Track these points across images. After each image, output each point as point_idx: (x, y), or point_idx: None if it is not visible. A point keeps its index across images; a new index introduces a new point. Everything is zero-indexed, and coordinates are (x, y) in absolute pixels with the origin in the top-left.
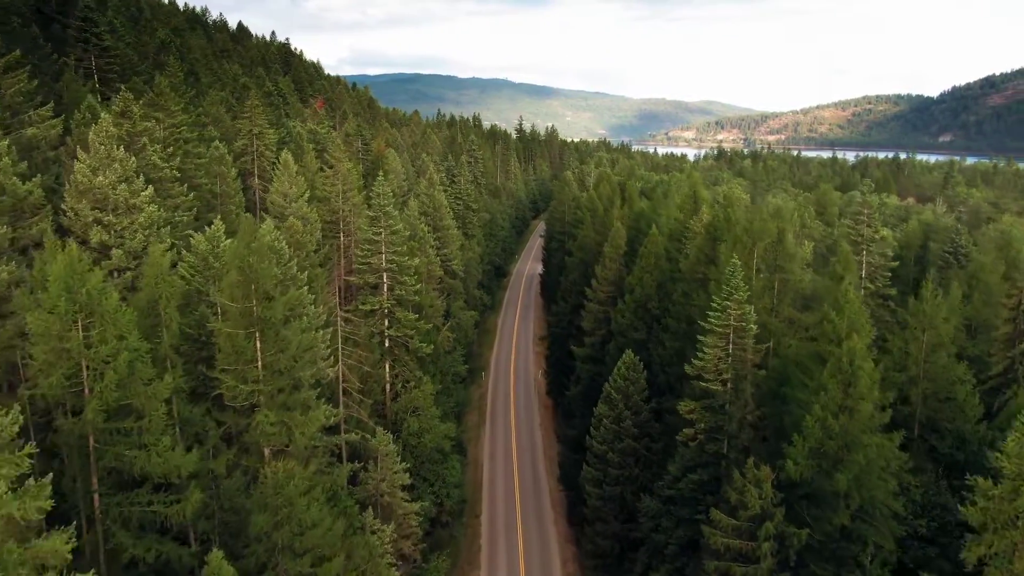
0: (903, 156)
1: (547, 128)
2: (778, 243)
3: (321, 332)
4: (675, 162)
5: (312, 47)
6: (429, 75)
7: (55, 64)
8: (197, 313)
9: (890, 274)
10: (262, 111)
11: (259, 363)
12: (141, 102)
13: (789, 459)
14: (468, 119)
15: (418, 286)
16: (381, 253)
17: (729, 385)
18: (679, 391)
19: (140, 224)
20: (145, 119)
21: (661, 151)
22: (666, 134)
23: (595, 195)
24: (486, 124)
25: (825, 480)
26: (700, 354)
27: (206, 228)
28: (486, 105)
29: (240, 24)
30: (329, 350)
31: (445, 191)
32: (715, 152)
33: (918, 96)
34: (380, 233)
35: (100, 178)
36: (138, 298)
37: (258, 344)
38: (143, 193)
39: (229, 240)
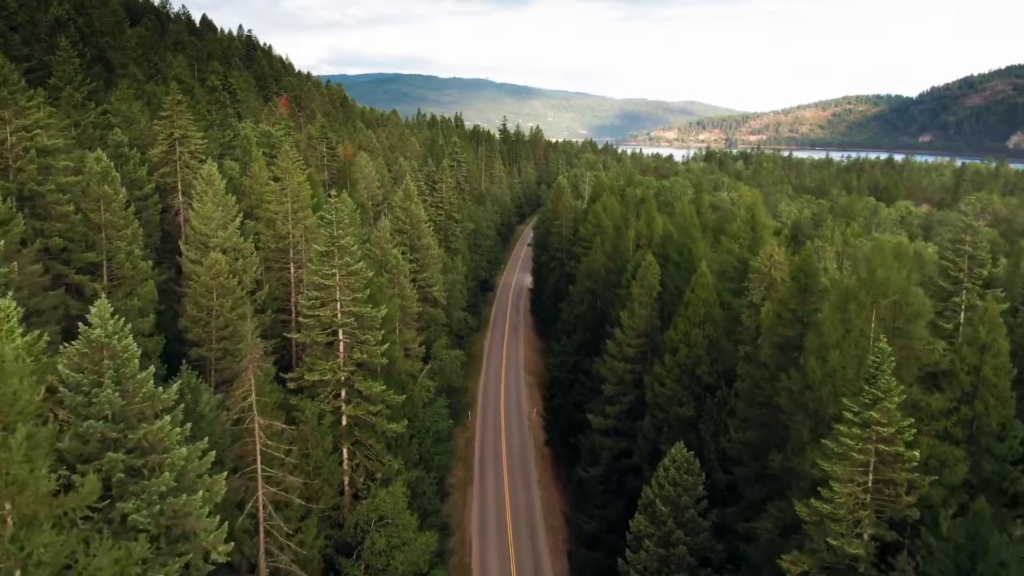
0: (898, 157)
1: (531, 128)
2: (903, 297)
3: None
4: (665, 164)
5: (291, 47)
6: (410, 75)
7: None
8: None
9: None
10: (187, 109)
11: None
12: None
13: None
14: (450, 119)
15: (385, 346)
16: (335, 301)
17: (874, 543)
18: (752, 498)
19: None
20: None
21: (646, 152)
22: (648, 135)
23: (601, 211)
24: (468, 124)
25: None
26: (825, 492)
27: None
28: (467, 105)
29: (204, 17)
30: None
31: (425, 201)
32: (703, 153)
33: (897, 96)
34: (333, 274)
35: None
36: None
37: None
38: None
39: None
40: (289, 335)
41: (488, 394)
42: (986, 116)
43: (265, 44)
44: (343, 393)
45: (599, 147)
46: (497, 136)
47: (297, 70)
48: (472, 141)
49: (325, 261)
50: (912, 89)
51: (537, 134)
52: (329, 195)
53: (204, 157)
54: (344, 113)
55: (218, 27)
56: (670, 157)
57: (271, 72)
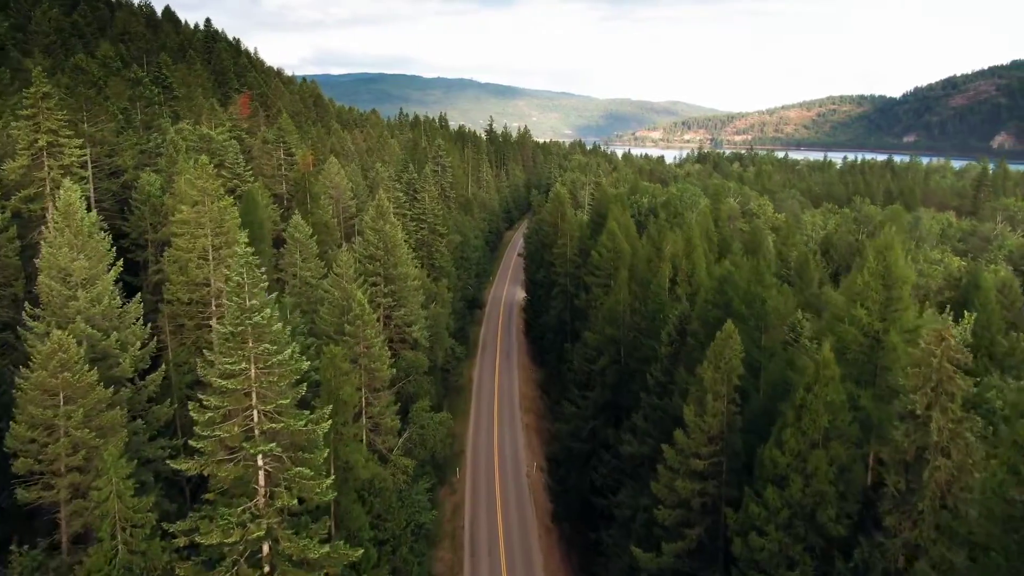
0: (897, 159)
1: (519, 129)
2: None
3: None
4: (659, 166)
5: (273, 46)
6: (393, 75)
7: None
8: None
9: None
10: (57, 107)
11: None
12: None
13: None
14: (434, 119)
15: (329, 479)
16: (249, 410)
17: None
18: None
19: None
20: None
21: (632, 152)
22: (633, 135)
23: (617, 231)
24: (453, 125)
25: None
26: None
27: None
28: (451, 105)
29: (167, 9)
30: None
31: (404, 216)
32: (695, 154)
33: (881, 97)
34: (244, 370)
35: None
36: None
37: None
38: None
39: None
40: (176, 464)
41: (479, 441)
42: (970, 116)
43: (233, 38)
44: (264, 550)
45: (588, 148)
46: (484, 137)
47: (268, 66)
48: (457, 142)
49: (232, 348)
50: (895, 89)
51: (525, 135)
52: (285, 214)
53: (103, 173)
54: (318, 113)
55: (183, 20)
56: (661, 159)
57: (234, 68)
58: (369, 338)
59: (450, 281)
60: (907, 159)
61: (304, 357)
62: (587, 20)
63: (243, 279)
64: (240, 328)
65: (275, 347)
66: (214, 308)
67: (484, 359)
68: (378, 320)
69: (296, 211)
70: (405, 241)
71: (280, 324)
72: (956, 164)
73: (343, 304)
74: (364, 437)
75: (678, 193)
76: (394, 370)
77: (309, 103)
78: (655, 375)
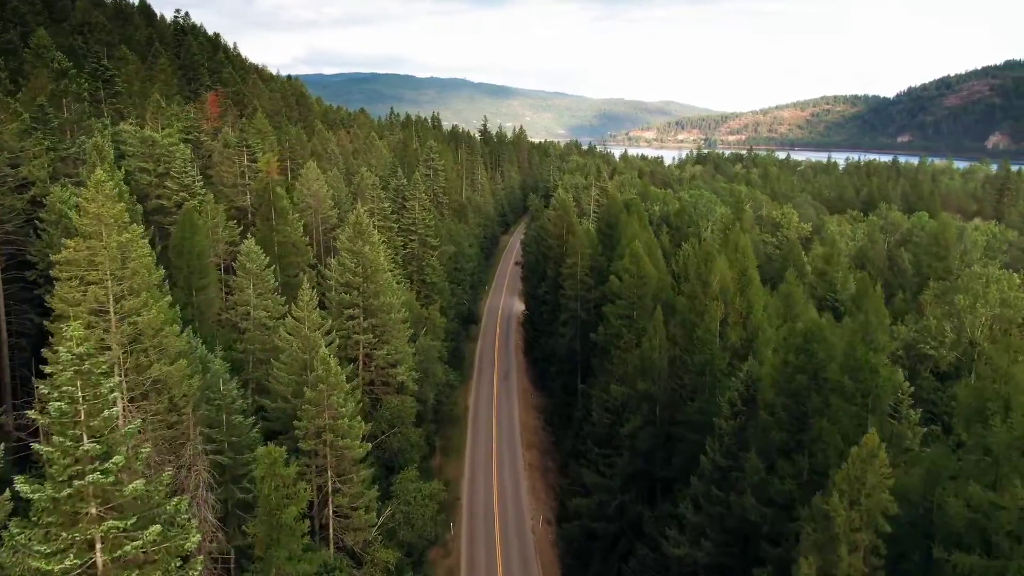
0: (903, 160)
1: (515, 129)
2: None
3: None
4: (658, 168)
5: (267, 46)
6: (387, 75)
7: None
8: None
9: None
10: None
11: None
12: None
13: None
14: (426, 119)
15: None
16: None
17: None
18: None
19: None
20: None
21: (630, 152)
22: (627, 134)
23: (642, 252)
24: (446, 125)
25: None
26: None
27: None
28: (445, 105)
29: (142, 2)
30: None
31: (391, 229)
32: (694, 154)
33: (875, 97)
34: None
35: None
36: None
37: None
38: None
39: None
40: None
41: (476, 487)
42: (964, 116)
43: (214, 34)
44: None
45: (584, 148)
46: (478, 137)
47: (250, 63)
48: (451, 143)
49: (56, 525)
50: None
51: (521, 135)
52: (244, 236)
53: None
54: (300, 112)
55: (158, 14)
56: (659, 160)
57: (208, 64)
58: (336, 406)
59: (443, 300)
60: (914, 160)
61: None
62: (580, 20)
63: (76, 399)
64: (68, 492)
65: (134, 520)
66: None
67: (481, 383)
68: (356, 361)
69: (256, 229)
70: (392, 258)
71: (142, 482)
72: (958, 165)
73: (303, 358)
74: (330, 534)
75: (691, 200)
76: (366, 451)
77: (292, 102)
78: (713, 456)
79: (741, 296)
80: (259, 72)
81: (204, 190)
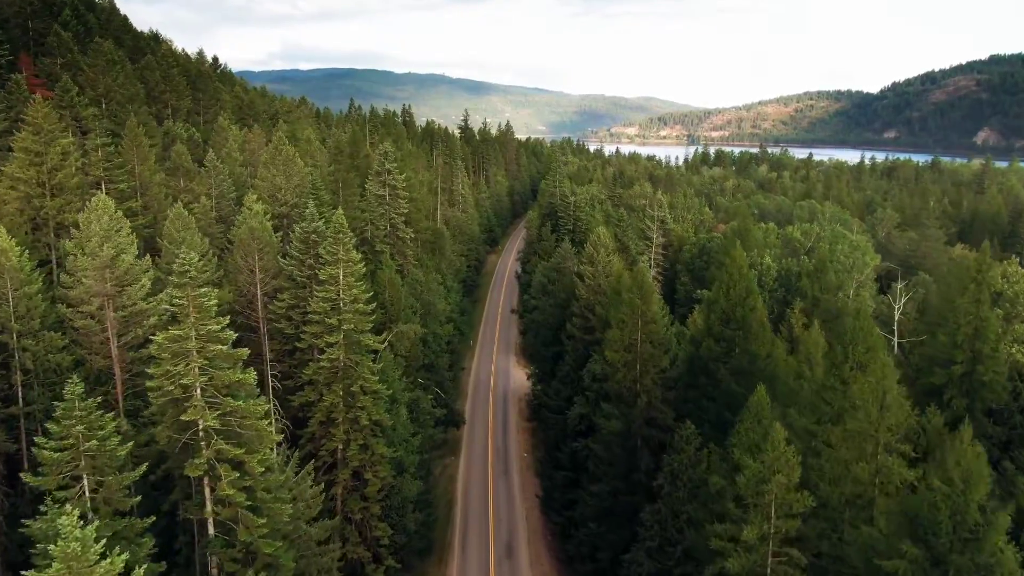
0: (901, 157)
1: (500, 125)
2: None
3: None
4: (659, 169)
5: (241, 43)
6: (364, 70)
7: None
8: None
9: None
10: None
11: None
12: None
13: None
14: (394, 112)
15: None
16: None
17: None
18: None
19: None
20: None
21: (607, 149)
22: (608, 131)
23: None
24: (420, 120)
25: None
26: None
27: None
28: (423, 101)
29: None
30: None
31: (281, 362)
32: (699, 151)
33: (859, 92)
34: None
35: None
36: None
37: None
38: None
39: None
40: None
41: None
42: (950, 112)
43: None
44: None
45: (575, 145)
46: (458, 135)
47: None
48: (424, 143)
49: None
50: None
51: (507, 132)
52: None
53: None
54: (196, 98)
55: None
56: (656, 159)
57: (94, 48)
58: None
59: (403, 425)
60: (920, 158)
61: None
62: (558, 15)
63: None
64: None
65: None
66: None
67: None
68: None
69: None
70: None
71: None
72: (957, 162)
73: None
74: None
75: (825, 246)
76: None
77: (180, 84)
78: None
79: None
80: (139, 38)
81: None
